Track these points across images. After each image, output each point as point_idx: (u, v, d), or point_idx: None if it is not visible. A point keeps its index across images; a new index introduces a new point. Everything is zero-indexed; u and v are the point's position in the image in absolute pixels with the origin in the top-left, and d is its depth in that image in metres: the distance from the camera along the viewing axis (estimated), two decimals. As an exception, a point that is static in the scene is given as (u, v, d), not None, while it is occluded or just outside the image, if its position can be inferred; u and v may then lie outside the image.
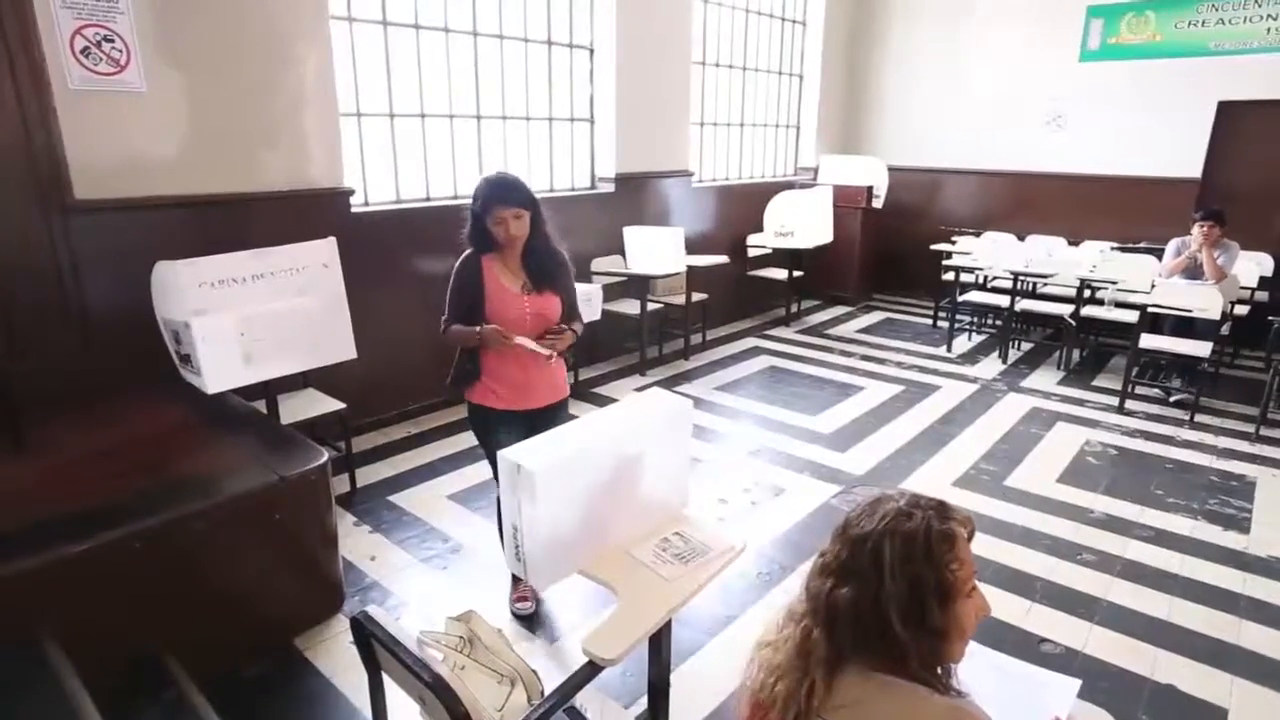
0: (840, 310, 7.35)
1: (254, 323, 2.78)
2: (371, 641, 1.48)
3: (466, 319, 2.43)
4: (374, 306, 4.11)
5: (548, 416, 2.47)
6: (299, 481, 2.50)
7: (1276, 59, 5.77)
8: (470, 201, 2.43)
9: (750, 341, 6.26)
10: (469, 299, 2.44)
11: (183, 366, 2.80)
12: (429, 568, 3.00)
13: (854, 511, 1.04)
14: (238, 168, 3.49)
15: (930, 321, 6.87)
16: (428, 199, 4.55)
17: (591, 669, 1.40)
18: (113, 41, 2.94)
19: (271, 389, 3.21)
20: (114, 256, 3.08)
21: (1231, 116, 6.06)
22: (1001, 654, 1.46)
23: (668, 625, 1.65)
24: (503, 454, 1.54)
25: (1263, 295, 5.71)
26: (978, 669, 1.34)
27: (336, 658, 2.47)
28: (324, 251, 3.02)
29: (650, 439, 1.73)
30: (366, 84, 4.14)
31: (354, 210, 4.08)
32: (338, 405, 3.50)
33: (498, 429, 2.45)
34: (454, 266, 2.49)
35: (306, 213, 3.70)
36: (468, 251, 2.48)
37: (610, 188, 5.54)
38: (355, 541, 3.16)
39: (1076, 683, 1.31)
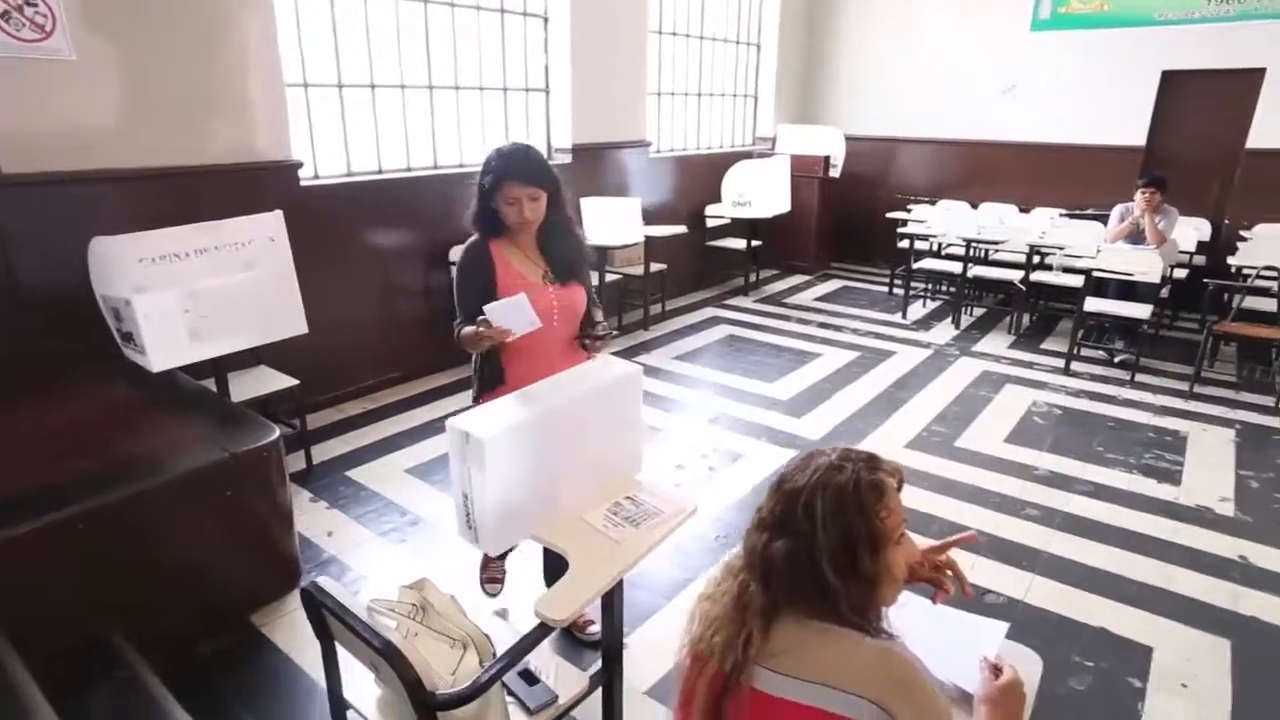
0: (799, 279, 7.42)
1: (199, 299, 2.72)
2: (323, 612, 1.49)
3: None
4: (327, 282, 4.05)
5: None
6: (249, 458, 2.47)
7: (1217, 29, 5.92)
8: (478, 175, 2.09)
9: (709, 311, 6.30)
10: (481, 293, 2.06)
11: (125, 345, 2.73)
12: (387, 541, 3.00)
13: (788, 468, 1.07)
14: (178, 140, 3.38)
15: (887, 289, 6.98)
16: (380, 171, 4.47)
17: (542, 630, 1.43)
18: (35, 5, 2.81)
19: (221, 367, 3.14)
20: (47, 232, 2.98)
21: (1174, 86, 6.21)
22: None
23: (619, 587, 1.69)
24: (451, 422, 1.54)
25: (1201, 259, 5.91)
26: (911, 615, 1.40)
27: (294, 633, 2.47)
28: (270, 225, 2.95)
29: (601, 406, 1.75)
30: (313, 54, 4.02)
31: (303, 183, 3.99)
32: (290, 381, 3.45)
33: None
34: (458, 259, 2.17)
35: (253, 186, 3.61)
36: (473, 238, 2.15)
37: (567, 159, 5.49)
38: (312, 517, 3.14)
39: (1004, 625, 1.37)
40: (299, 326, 3.06)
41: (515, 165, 2.03)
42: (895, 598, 1.07)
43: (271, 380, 3.47)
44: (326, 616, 1.49)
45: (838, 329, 5.84)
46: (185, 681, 2.14)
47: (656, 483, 1.90)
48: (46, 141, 2.97)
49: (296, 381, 3.47)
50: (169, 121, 3.34)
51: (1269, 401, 4.42)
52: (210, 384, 3.14)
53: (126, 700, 2.06)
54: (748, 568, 1.05)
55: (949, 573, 1.36)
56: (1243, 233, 5.82)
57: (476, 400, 2.22)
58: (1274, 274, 4.52)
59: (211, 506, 2.42)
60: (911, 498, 3.36)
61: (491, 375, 2.17)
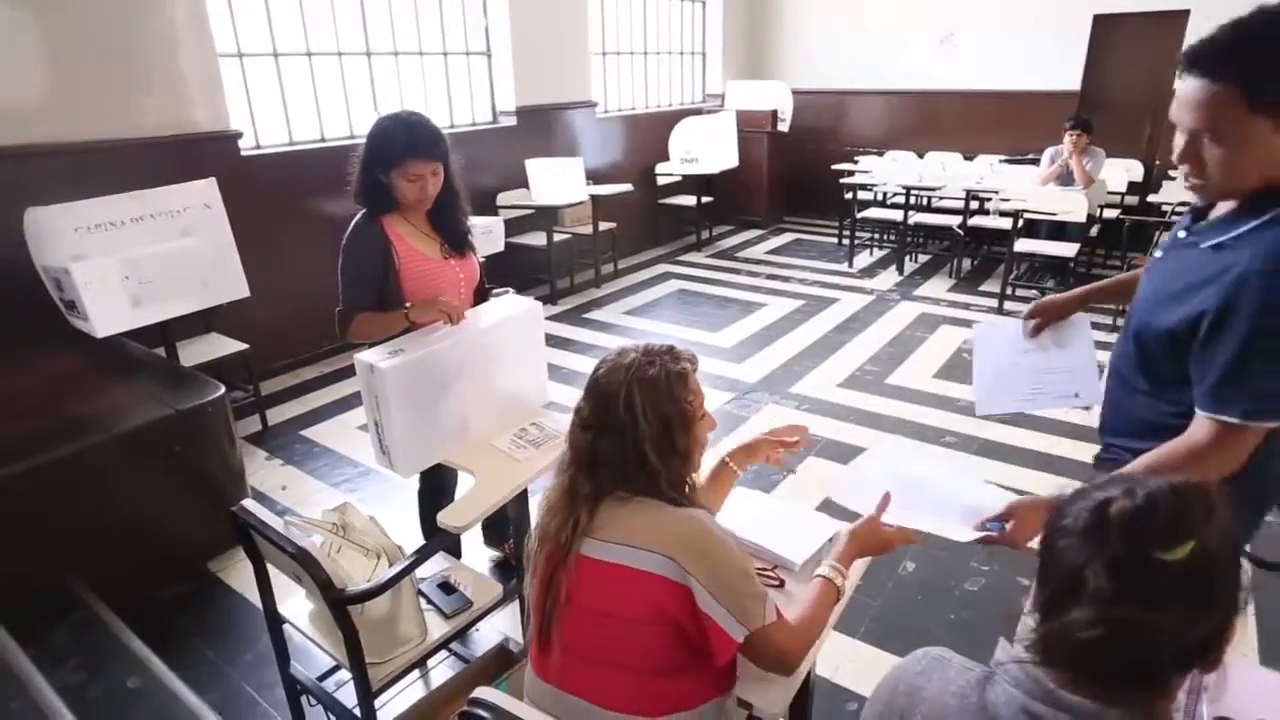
0: (752, 234, 7.57)
1: (138, 265, 2.82)
2: (250, 531, 1.64)
3: (377, 304, 1.95)
4: (276, 249, 4.14)
5: None
6: (195, 414, 2.61)
7: (1145, -30, 6.06)
8: (365, 148, 1.92)
9: (661, 268, 6.44)
10: (379, 276, 1.92)
11: (69, 313, 2.84)
12: (339, 491, 3.15)
13: (600, 370, 1.22)
14: (112, 112, 3.43)
15: (836, 240, 7.15)
16: (322, 140, 4.52)
17: (445, 536, 1.60)
18: (-47, -18, 2.85)
19: (169, 333, 3.25)
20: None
21: (1105, 29, 6.36)
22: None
23: (525, 506, 1.86)
24: (358, 356, 1.69)
25: (1134, 199, 6.12)
26: (762, 509, 1.59)
27: (248, 575, 2.59)
28: (204, 192, 3.04)
29: (503, 339, 1.90)
30: (246, 23, 4.06)
31: (244, 153, 4.05)
32: (240, 346, 3.56)
33: None
34: (345, 240, 1.96)
35: (193, 157, 3.66)
36: (360, 215, 1.97)
37: (512, 121, 5.56)
38: (267, 474, 3.29)
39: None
40: (240, 290, 3.17)
41: (419, 139, 1.87)
42: (700, 462, 1.25)
43: (222, 346, 3.58)
44: (254, 535, 1.64)
45: (785, 280, 6.01)
46: (146, 623, 2.31)
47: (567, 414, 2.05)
48: (-28, 117, 3.02)
49: (246, 346, 3.58)
50: (101, 94, 3.38)
51: (1183, 330, 4.66)
52: (161, 351, 3.26)
53: (86, 636, 2.23)
54: (574, 463, 1.21)
55: (784, 448, 1.56)
56: (1171, 172, 6.02)
57: None
58: (1186, 209, 4.72)
59: (160, 461, 2.55)
60: (839, 431, 3.58)
61: None
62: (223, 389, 2.73)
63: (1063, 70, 6.54)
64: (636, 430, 1.15)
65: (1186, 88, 1.13)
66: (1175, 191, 5.28)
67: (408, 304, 1.90)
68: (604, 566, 1.13)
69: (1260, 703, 1.12)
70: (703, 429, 1.22)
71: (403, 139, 1.86)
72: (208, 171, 3.29)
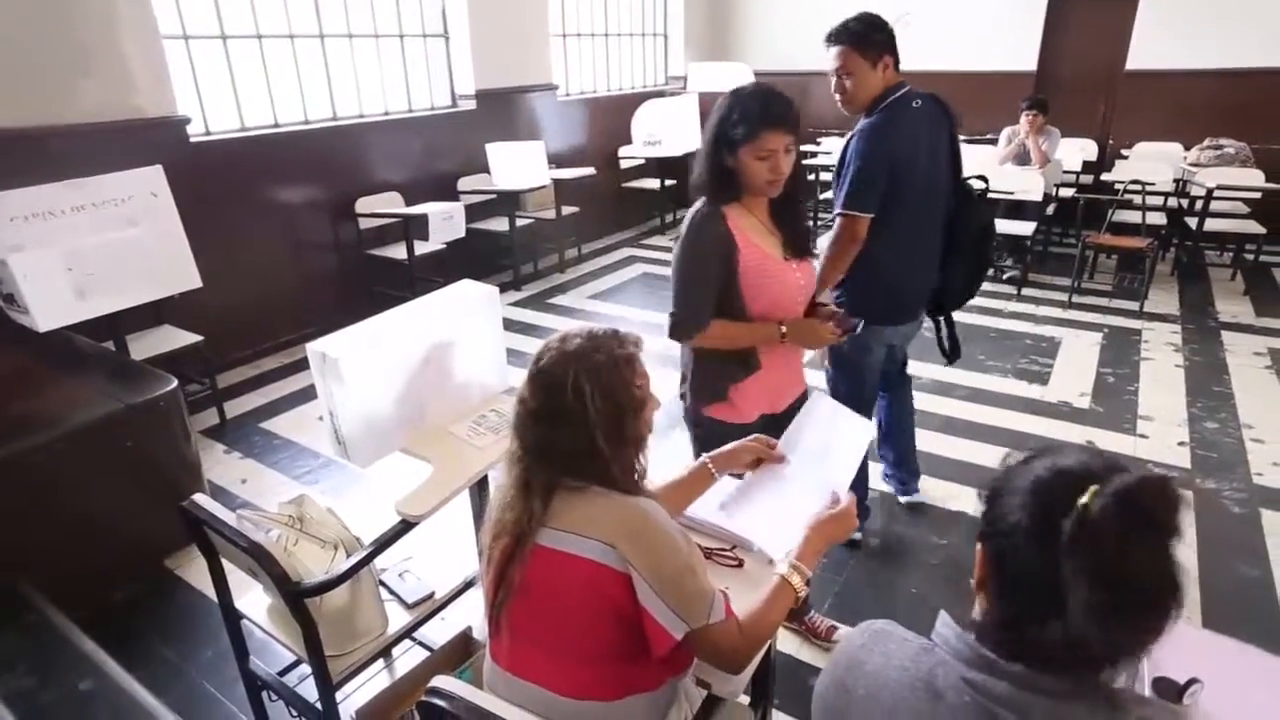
0: (717, 217, 7.56)
1: (81, 256, 2.73)
2: (202, 527, 1.61)
3: (718, 309, 1.73)
4: (230, 238, 4.04)
5: (790, 414, 1.71)
6: (147, 408, 2.54)
7: (1097, -49, 6.14)
8: (709, 127, 1.69)
9: (626, 252, 6.42)
10: (725, 277, 1.70)
11: (9, 307, 2.74)
12: (299, 484, 3.11)
13: (544, 359, 1.17)
14: (47, 97, 3.30)
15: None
16: (275, 125, 4.41)
17: (404, 526, 1.58)
18: (-127, -39, 2.70)
19: (119, 326, 3.16)
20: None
21: (1060, 10, 6.44)
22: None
23: (488, 491, 1.84)
24: (310, 346, 1.66)
25: (1088, 179, 6.24)
26: (717, 488, 1.60)
27: (207, 572, 2.56)
28: (150, 180, 2.95)
29: (460, 326, 1.88)
30: (192, 3, 3.92)
31: (193, 140, 3.94)
32: (193, 338, 3.48)
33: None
34: (687, 233, 1.72)
35: (138, 144, 3.55)
36: (701, 206, 1.72)
37: (472, 105, 5.47)
38: (226, 468, 3.22)
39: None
40: (191, 281, 3.09)
41: (776, 109, 1.64)
42: (648, 444, 1.23)
43: (174, 338, 3.48)
44: (206, 531, 1.61)
45: (750, 262, 6.02)
46: (100, 624, 2.25)
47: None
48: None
49: (200, 338, 3.49)
50: (33, 78, 3.24)
51: (1135, 306, 4.79)
52: (110, 345, 3.16)
53: (37, 639, 2.17)
54: (525, 453, 1.18)
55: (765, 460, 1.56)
56: (1124, 151, 6.15)
57: (723, 397, 1.83)
58: (1138, 188, 4.84)
59: (112, 457, 2.48)
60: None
61: (740, 372, 1.81)
62: (175, 382, 2.67)
63: (1019, 51, 6.62)
64: (586, 418, 1.12)
65: (830, 51, 2.22)
66: (1128, 170, 5.40)
67: (783, 327, 1.74)
68: (555, 554, 1.13)
69: (1198, 663, 1.16)
70: (650, 413, 1.21)
71: (756, 110, 1.63)
72: (154, 158, 3.19)
